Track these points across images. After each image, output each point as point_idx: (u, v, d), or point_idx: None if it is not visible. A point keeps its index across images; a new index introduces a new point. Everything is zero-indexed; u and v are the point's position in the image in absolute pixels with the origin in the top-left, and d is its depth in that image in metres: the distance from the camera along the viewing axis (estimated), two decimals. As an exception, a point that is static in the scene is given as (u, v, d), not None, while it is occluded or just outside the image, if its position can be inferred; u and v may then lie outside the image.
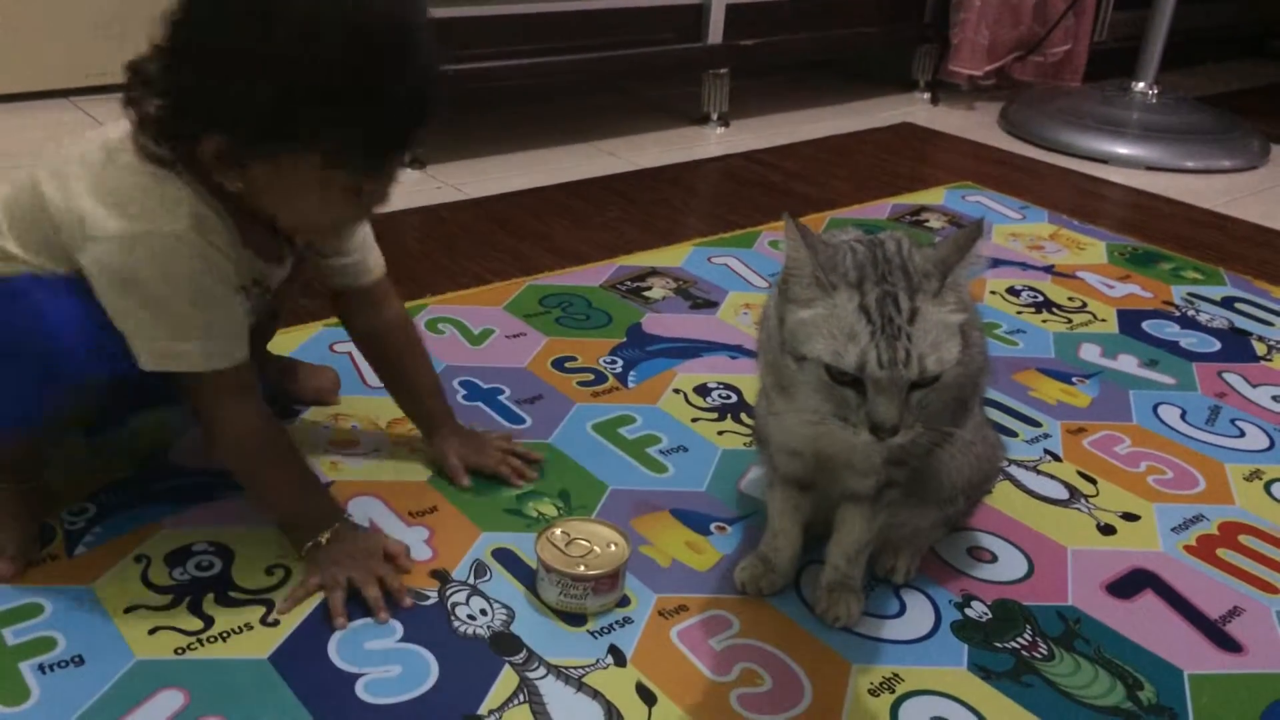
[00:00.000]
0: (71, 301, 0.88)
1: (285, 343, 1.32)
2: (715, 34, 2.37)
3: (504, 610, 0.97)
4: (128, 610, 0.93)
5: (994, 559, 1.09)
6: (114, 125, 0.92)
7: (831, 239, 0.85)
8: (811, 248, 0.81)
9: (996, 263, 1.80)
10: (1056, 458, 1.27)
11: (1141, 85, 2.58)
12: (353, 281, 1.11)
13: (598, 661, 0.92)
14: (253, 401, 0.96)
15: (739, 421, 1.29)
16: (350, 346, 1.37)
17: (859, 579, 0.99)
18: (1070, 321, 1.61)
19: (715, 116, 2.47)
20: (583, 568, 0.96)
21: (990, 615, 1.01)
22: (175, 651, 0.90)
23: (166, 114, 0.87)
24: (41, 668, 0.87)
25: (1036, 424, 1.33)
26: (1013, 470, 1.24)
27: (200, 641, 0.91)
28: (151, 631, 0.91)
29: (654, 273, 1.67)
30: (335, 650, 0.91)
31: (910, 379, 0.79)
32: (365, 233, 1.10)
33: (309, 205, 0.91)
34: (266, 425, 0.98)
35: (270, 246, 0.97)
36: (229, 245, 0.92)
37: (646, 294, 1.60)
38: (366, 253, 1.11)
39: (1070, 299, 1.68)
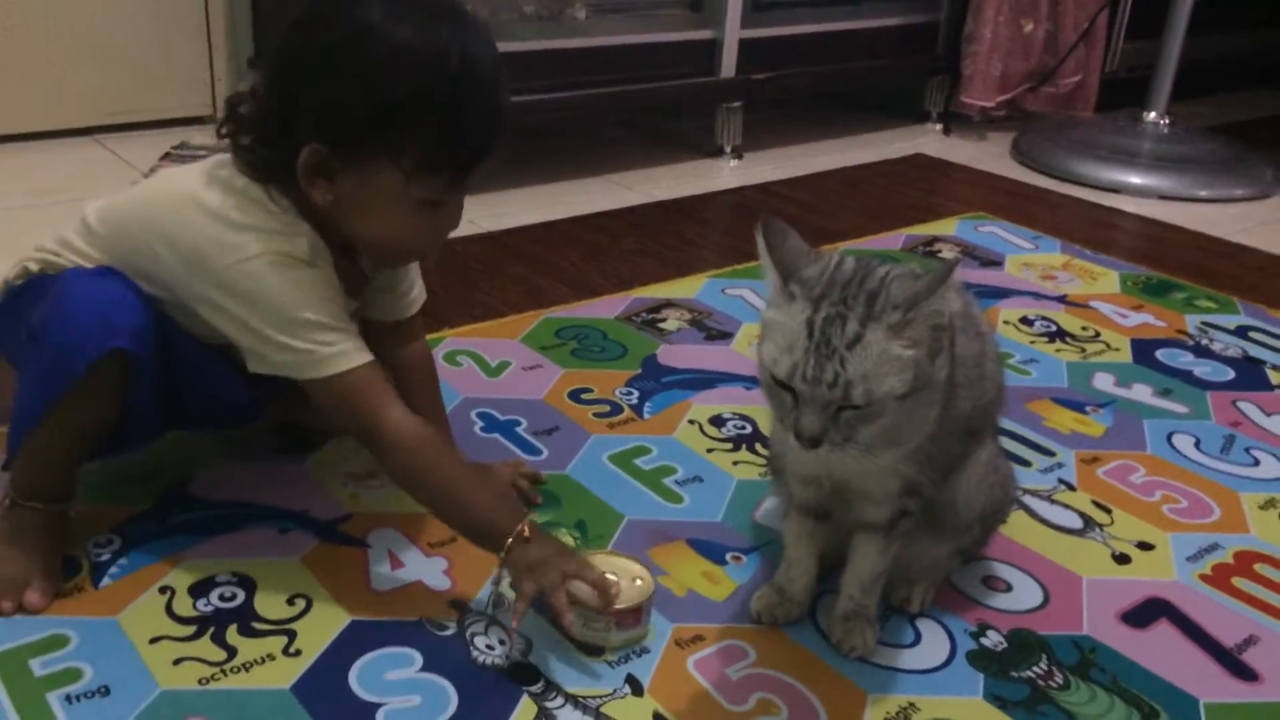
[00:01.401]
0: (93, 283, 0.96)
1: (306, 376, 1.33)
2: (729, 68, 2.40)
3: (522, 640, 0.98)
4: (152, 641, 0.95)
5: (1009, 588, 1.10)
6: (198, 166, 1.01)
7: (833, 255, 0.88)
8: (775, 255, 0.86)
9: (1009, 293, 1.81)
10: (1071, 487, 1.27)
11: (1153, 115, 2.60)
12: (402, 314, 1.15)
13: (615, 691, 0.93)
14: (400, 400, 1.00)
15: (754, 452, 1.30)
16: (370, 379, 1.39)
17: (874, 608, 1.00)
18: (1084, 351, 1.62)
19: (729, 149, 2.50)
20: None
21: (1006, 645, 1.02)
22: (199, 682, 0.91)
23: (270, 126, 0.95)
24: (69, 698, 0.88)
25: (1050, 453, 1.34)
26: (1027, 500, 1.24)
27: (223, 672, 0.92)
28: (176, 662, 0.93)
29: (669, 304, 1.68)
30: (356, 680, 0.92)
31: (835, 400, 0.81)
32: (417, 266, 1.15)
33: (390, 219, 0.97)
34: (425, 421, 1.01)
35: (352, 278, 1.03)
36: (333, 272, 1.00)
37: (661, 326, 1.61)
38: (416, 284, 1.16)
39: (1083, 328, 1.69)
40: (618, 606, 0.96)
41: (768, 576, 1.07)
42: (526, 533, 0.96)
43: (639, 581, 1.01)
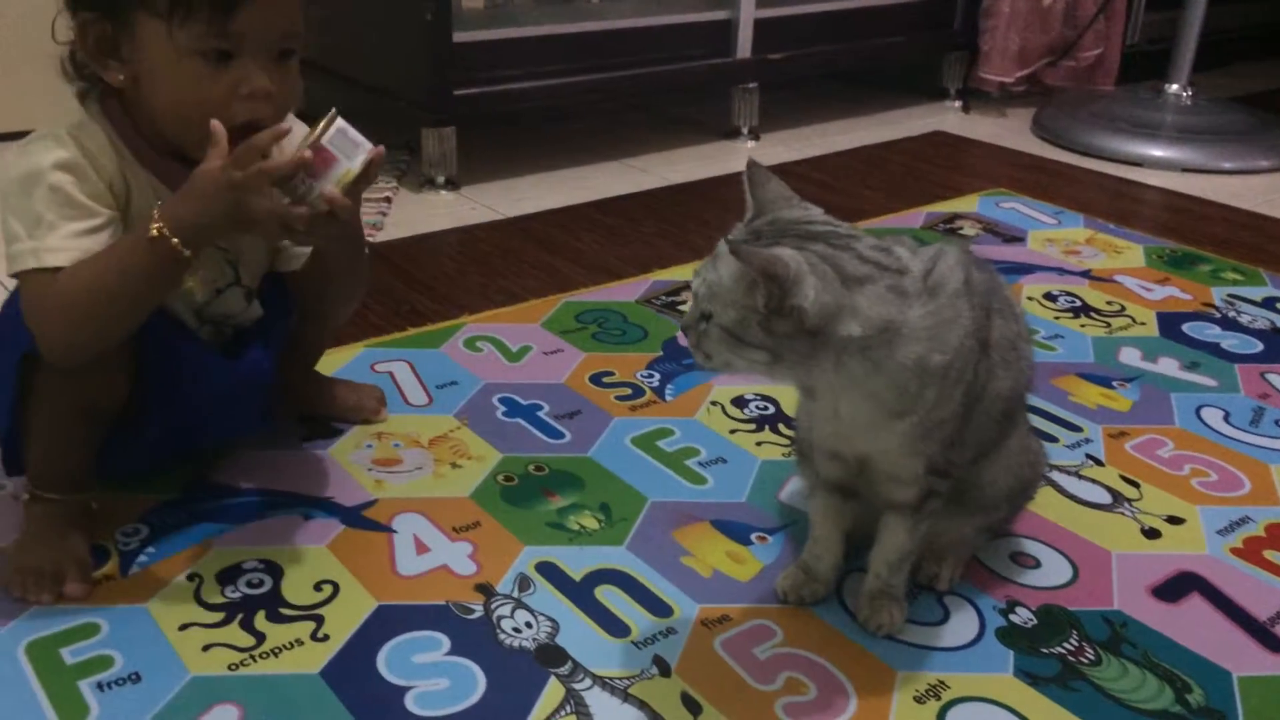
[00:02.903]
0: None
1: (328, 363, 1.34)
2: (744, 49, 2.39)
3: (549, 622, 0.98)
4: (182, 628, 0.95)
5: (1038, 564, 1.09)
6: None
7: (813, 208, 0.90)
8: (755, 193, 0.90)
9: (1032, 269, 1.79)
10: (1098, 462, 1.26)
11: (1175, 87, 2.56)
12: (285, 266, 1.12)
13: (642, 672, 0.93)
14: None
15: (777, 432, 1.30)
16: (393, 365, 1.40)
17: (901, 587, 0.99)
18: (1109, 325, 1.60)
19: (746, 130, 2.48)
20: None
21: (1035, 621, 1.01)
22: (229, 668, 0.91)
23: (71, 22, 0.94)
24: (100, 685, 0.89)
25: (1077, 429, 1.33)
26: (1054, 475, 1.23)
27: (253, 657, 0.93)
28: (205, 648, 0.93)
29: (689, 287, 1.67)
30: (384, 664, 0.92)
31: (698, 298, 0.85)
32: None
33: (172, 80, 0.92)
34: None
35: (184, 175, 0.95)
36: (107, 155, 0.95)
37: (681, 308, 1.61)
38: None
39: (1109, 303, 1.68)
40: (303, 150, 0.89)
41: (793, 556, 1.06)
42: (156, 214, 0.90)
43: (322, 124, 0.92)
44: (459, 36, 1.99)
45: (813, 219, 0.88)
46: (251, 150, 0.88)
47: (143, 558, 1.04)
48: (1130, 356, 1.51)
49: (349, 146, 0.91)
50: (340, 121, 0.91)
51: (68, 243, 0.91)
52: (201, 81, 0.91)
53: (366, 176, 0.93)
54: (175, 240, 0.89)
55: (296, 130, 0.97)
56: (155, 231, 0.89)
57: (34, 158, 0.92)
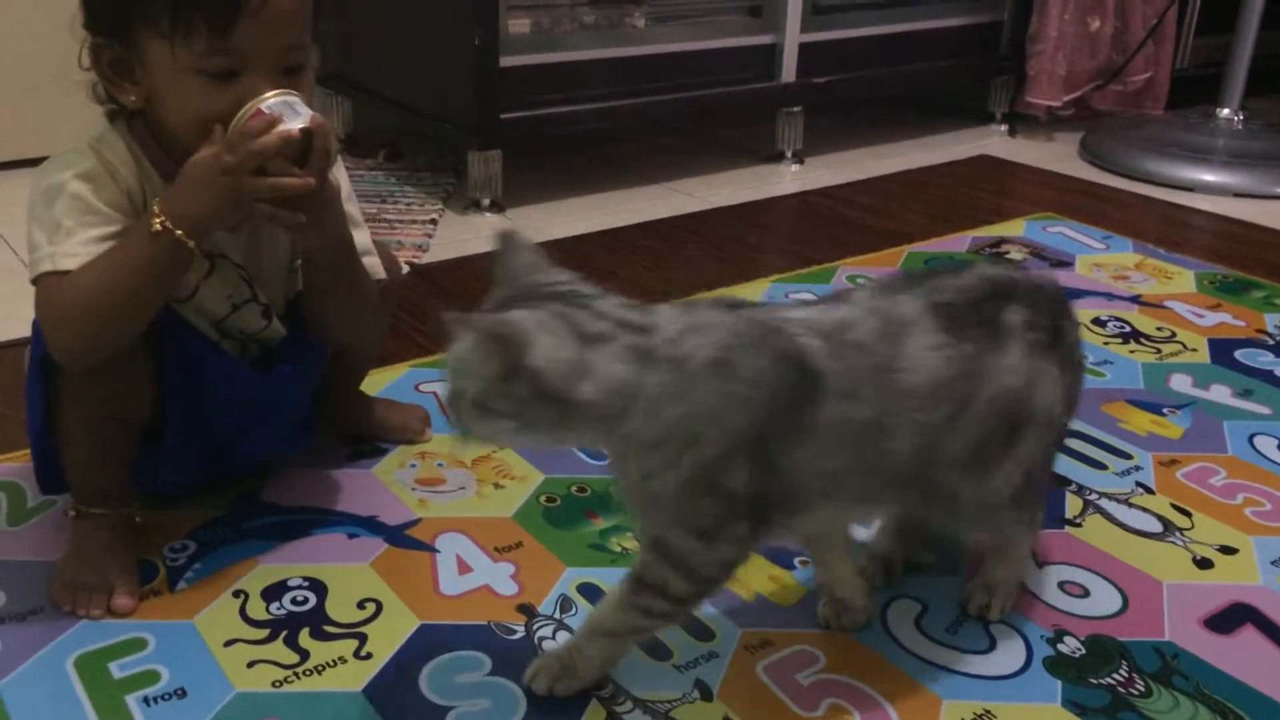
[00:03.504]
0: None
1: (373, 383, 1.35)
2: (788, 73, 2.39)
3: (590, 645, 0.98)
4: (227, 644, 0.96)
5: (1086, 593, 1.07)
6: None
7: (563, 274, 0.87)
8: (504, 262, 0.86)
9: (1081, 294, 1.77)
10: (1149, 490, 1.24)
11: (1226, 111, 2.53)
12: (292, 289, 1.12)
13: (684, 696, 0.92)
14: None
15: (821, 456, 1.29)
16: (437, 385, 1.40)
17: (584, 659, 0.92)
18: (1159, 352, 1.58)
19: (790, 154, 2.48)
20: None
21: (1084, 651, 0.99)
22: (273, 684, 0.92)
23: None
24: (146, 700, 0.90)
25: (1127, 456, 1.31)
26: (1103, 503, 1.21)
27: (297, 674, 0.93)
28: (250, 664, 0.94)
29: (732, 309, 1.67)
30: (426, 683, 0.93)
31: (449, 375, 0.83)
32: (365, 243, 1.10)
33: (178, 98, 0.94)
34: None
35: None
36: (126, 165, 0.97)
37: (725, 331, 1.60)
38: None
39: (1159, 329, 1.65)
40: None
41: (837, 581, 1.06)
42: (156, 208, 0.92)
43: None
44: (506, 61, 2.01)
45: (556, 281, 0.84)
46: (241, 134, 0.90)
47: (190, 573, 1.05)
48: (1181, 383, 1.49)
49: (290, 114, 0.92)
50: (290, 95, 0.92)
51: (83, 248, 0.93)
52: (207, 98, 0.93)
53: (320, 150, 0.93)
54: (179, 232, 0.91)
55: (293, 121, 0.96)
56: (158, 226, 0.91)
57: (57, 171, 0.95)
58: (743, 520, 0.85)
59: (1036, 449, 0.93)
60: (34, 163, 0.99)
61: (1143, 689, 0.95)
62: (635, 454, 0.83)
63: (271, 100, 0.91)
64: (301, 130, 0.91)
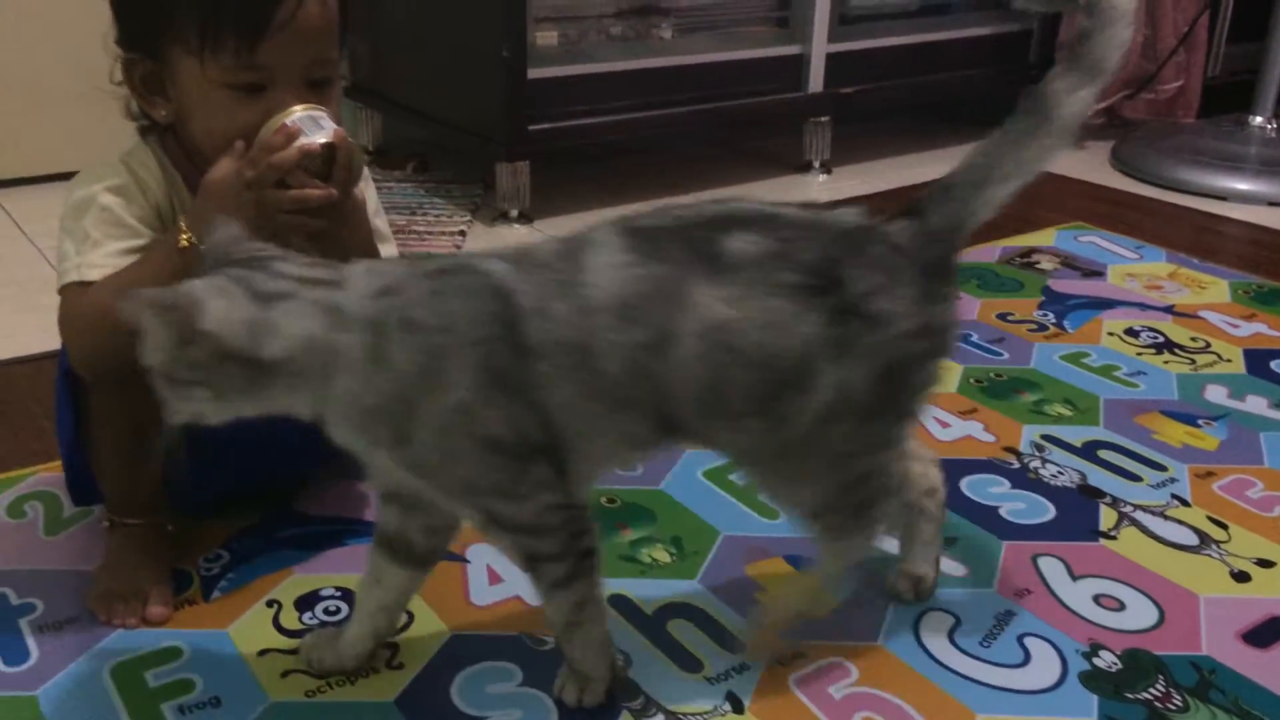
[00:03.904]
0: None
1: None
2: (816, 83, 2.39)
3: (621, 656, 0.98)
4: (261, 654, 0.97)
5: (1121, 606, 1.06)
6: None
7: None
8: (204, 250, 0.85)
9: (1112, 304, 1.75)
10: (1184, 502, 1.23)
11: (1259, 119, 2.51)
12: None
13: (715, 708, 0.92)
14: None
15: (851, 467, 1.28)
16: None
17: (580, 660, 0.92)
18: (1194, 362, 1.56)
19: (817, 164, 2.48)
20: None
21: (1120, 665, 0.98)
22: (306, 694, 0.93)
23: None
24: (181, 709, 0.91)
25: (1162, 468, 1.29)
26: (1139, 515, 1.20)
27: (330, 685, 0.94)
28: (284, 675, 0.95)
29: (761, 320, 1.67)
30: (458, 693, 0.93)
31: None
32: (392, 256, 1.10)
33: (208, 114, 0.95)
34: None
35: None
36: (156, 181, 0.99)
37: (754, 341, 1.60)
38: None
39: (1193, 339, 1.64)
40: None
41: (867, 593, 1.05)
42: (183, 223, 0.93)
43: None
44: (534, 73, 2.02)
45: (244, 250, 0.82)
46: (262, 149, 0.91)
47: (224, 583, 1.06)
48: (1216, 394, 1.47)
49: (314, 128, 0.93)
50: (316, 110, 0.94)
51: (109, 260, 0.94)
52: (235, 112, 0.93)
53: (342, 164, 0.94)
54: (186, 238, 0.92)
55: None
56: (185, 241, 0.92)
57: (88, 184, 0.97)
58: (532, 463, 0.83)
59: (812, 421, 0.85)
60: (67, 176, 1.01)
61: (1180, 704, 0.94)
62: (362, 425, 0.81)
63: (297, 115, 0.92)
64: (324, 144, 0.92)
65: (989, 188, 0.92)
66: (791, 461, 0.88)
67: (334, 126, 0.94)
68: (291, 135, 0.91)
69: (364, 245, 1.01)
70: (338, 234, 0.96)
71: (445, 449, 0.82)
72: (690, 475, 1.26)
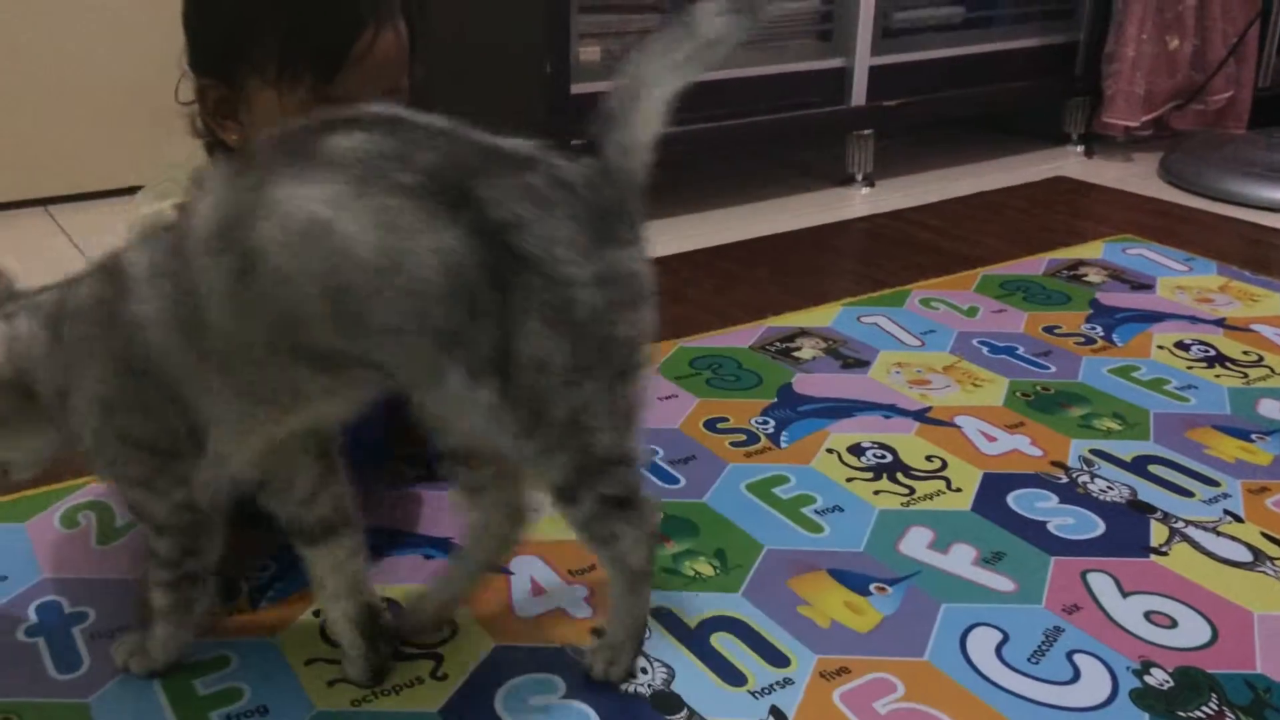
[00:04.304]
0: None
1: (448, 406, 1.37)
2: (859, 96, 2.38)
3: (664, 669, 0.97)
4: (308, 663, 0.97)
5: (1173, 624, 1.04)
6: None
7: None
8: None
9: (1162, 317, 1.73)
10: (1237, 518, 1.21)
11: (1313, 129, 2.47)
12: None
13: (759, 722, 0.92)
14: None
15: (895, 481, 1.27)
16: (509, 409, 1.41)
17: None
18: (1246, 376, 1.54)
19: (860, 177, 2.47)
20: None
21: (1172, 683, 0.96)
22: (352, 703, 0.93)
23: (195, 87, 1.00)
24: (229, 717, 0.92)
25: (1214, 483, 1.27)
26: (1190, 531, 1.18)
27: (375, 694, 0.94)
28: (330, 683, 0.95)
29: (803, 333, 1.67)
30: (501, 704, 0.93)
31: None
32: None
33: None
34: None
35: None
36: None
37: (796, 354, 1.60)
38: None
39: (1245, 353, 1.61)
40: None
41: (915, 607, 1.04)
42: None
43: None
44: (576, 88, 2.04)
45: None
46: None
47: (271, 592, 1.07)
48: (1270, 409, 1.44)
49: None
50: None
51: None
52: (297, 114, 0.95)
53: None
54: None
55: None
56: None
57: (152, 201, 0.99)
58: (174, 457, 0.84)
59: (515, 369, 0.78)
60: (123, 193, 1.03)
61: (1235, 724, 0.92)
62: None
63: None
64: None
65: (643, 100, 0.85)
66: (514, 416, 0.80)
67: None
68: None
69: None
70: None
71: (95, 441, 0.84)
72: (734, 488, 1.25)
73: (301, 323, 0.77)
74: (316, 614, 1.04)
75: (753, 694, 0.95)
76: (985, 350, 1.61)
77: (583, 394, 0.80)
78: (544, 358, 0.78)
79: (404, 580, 1.09)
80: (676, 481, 1.27)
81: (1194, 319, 1.73)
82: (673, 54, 0.83)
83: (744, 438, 1.36)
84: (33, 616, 1.03)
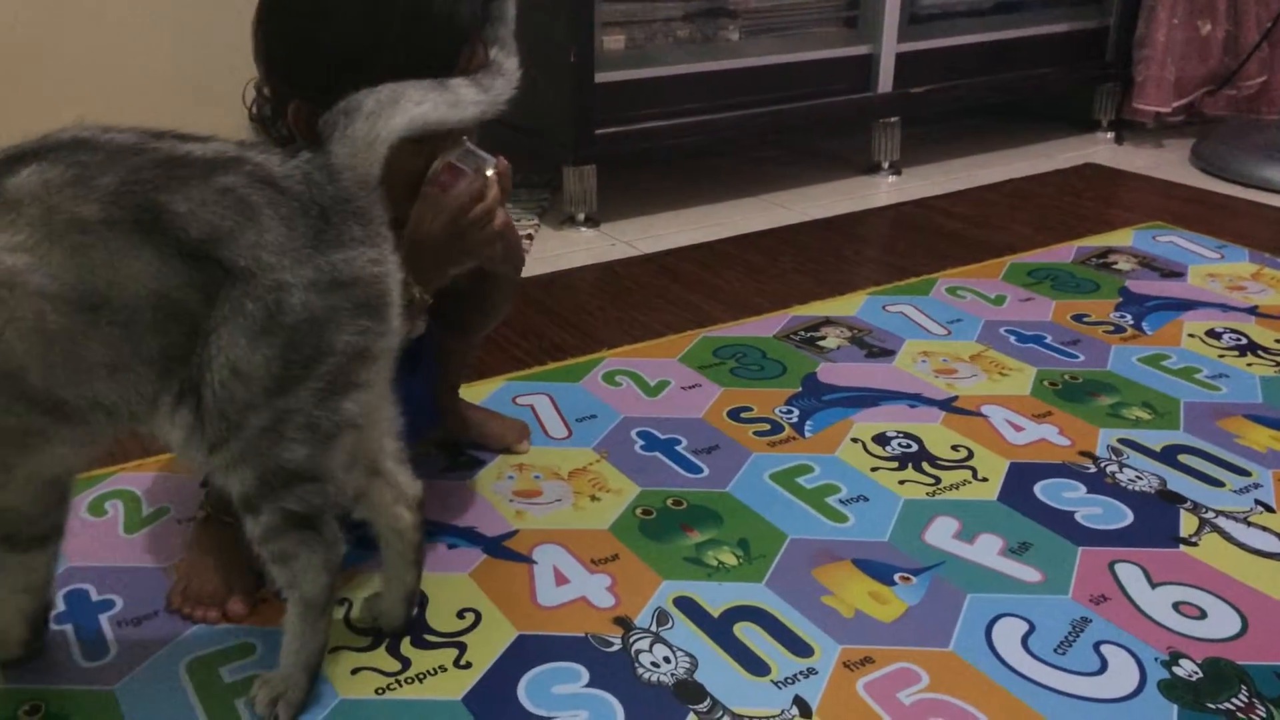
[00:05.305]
0: None
1: (470, 396, 1.37)
2: (885, 83, 2.37)
3: (687, 658, 0.97)
4: (331, 651, 0.98)
5: (1203, 614, 1.03)
6: None
7: None
8: None
9: (1193, 305, 1.71)
10: (1269, 508, 1.19)
11: (1348, 114, 2.43)
12: None
13: (782, 712, 0.91)
14: None
15: (920, 471, 1.26)
16: (533, 398, 1.42)
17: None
18: (1279, 365, 1.51)
19: (886, 165, 2.45)
20: None
21: (1200, 674, 0.95)
22: (375, 691, 0.94)
23: (273, 105, 1.01)
24: (254, 703, 0.92)
25: (1246, 473, 1.26)
26: (1221, 521, 1.16)
27: (399, 682, 0.95)
28: (354, 672, 0.96)
29: (828, 322, 1.66)
30: (524, 693, 0.93)
31: None
32: None
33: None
34: None
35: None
36: None
37: (821, 343, 1.59)
38: None
39: (1277, 341, 1.58)
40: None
41: (938, 597, 1.03)
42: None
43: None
44: (601, 77, 2.03)
45: None
46: (471, 198, 0.99)
47: (296, 581, 1.07)
48: (1303, 397, 1.42)
49: (471, 160, 1.02)
50: (467, 144, 1.03)
51: None
52: (404, 160, 0.96)
53: (506, 189, 1.02)
54: (417, 291, 0.98)
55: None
56: (417, 295, 0.98)
57: None
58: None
59: (219, 385, 0.77)
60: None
61: (1264, 715, 0.91)
62: None
63: (459, 153, 1.01)
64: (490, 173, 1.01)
65: (385, 114, 0.84)
66: (208, 429, 0.79)
67: (489, 157, 1.01)
68: (459, 174, 0.99)
69: (516, 246, 1.14)
70: (505, 248, 1.05)
71: None
72: (757, 478, 1.25)
73: (18, 373, 0.75)
74: (340, 602, 1.04)
75: (776, 684, 0.94)
76: (1013, 339, 1.60)
77: (285, 403, 0.79)
78: (246, 369, 0.77)
79: (428, 568, 1.08)
80: (700, 471, 1.26)
81: (1225, 307, 1.70)
82: (423, 98, 0.86)
83: (768, 427, 1.36)
84: (60, 604, 1.04)
